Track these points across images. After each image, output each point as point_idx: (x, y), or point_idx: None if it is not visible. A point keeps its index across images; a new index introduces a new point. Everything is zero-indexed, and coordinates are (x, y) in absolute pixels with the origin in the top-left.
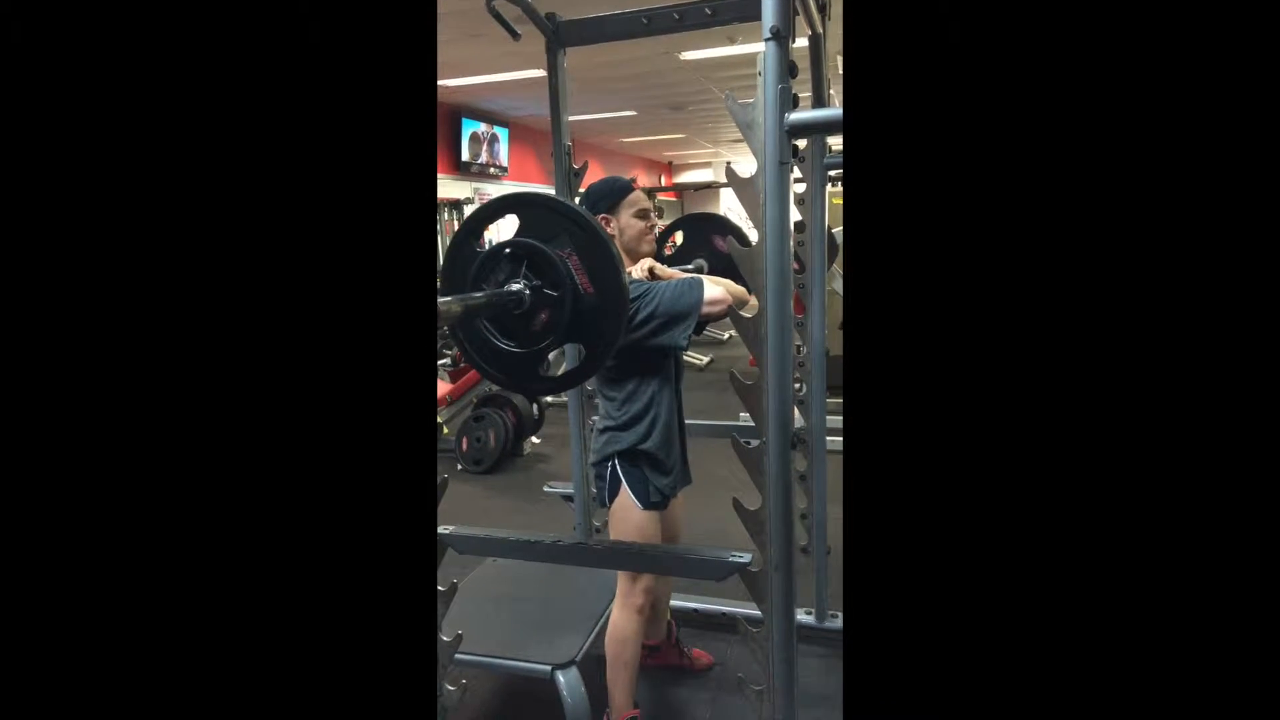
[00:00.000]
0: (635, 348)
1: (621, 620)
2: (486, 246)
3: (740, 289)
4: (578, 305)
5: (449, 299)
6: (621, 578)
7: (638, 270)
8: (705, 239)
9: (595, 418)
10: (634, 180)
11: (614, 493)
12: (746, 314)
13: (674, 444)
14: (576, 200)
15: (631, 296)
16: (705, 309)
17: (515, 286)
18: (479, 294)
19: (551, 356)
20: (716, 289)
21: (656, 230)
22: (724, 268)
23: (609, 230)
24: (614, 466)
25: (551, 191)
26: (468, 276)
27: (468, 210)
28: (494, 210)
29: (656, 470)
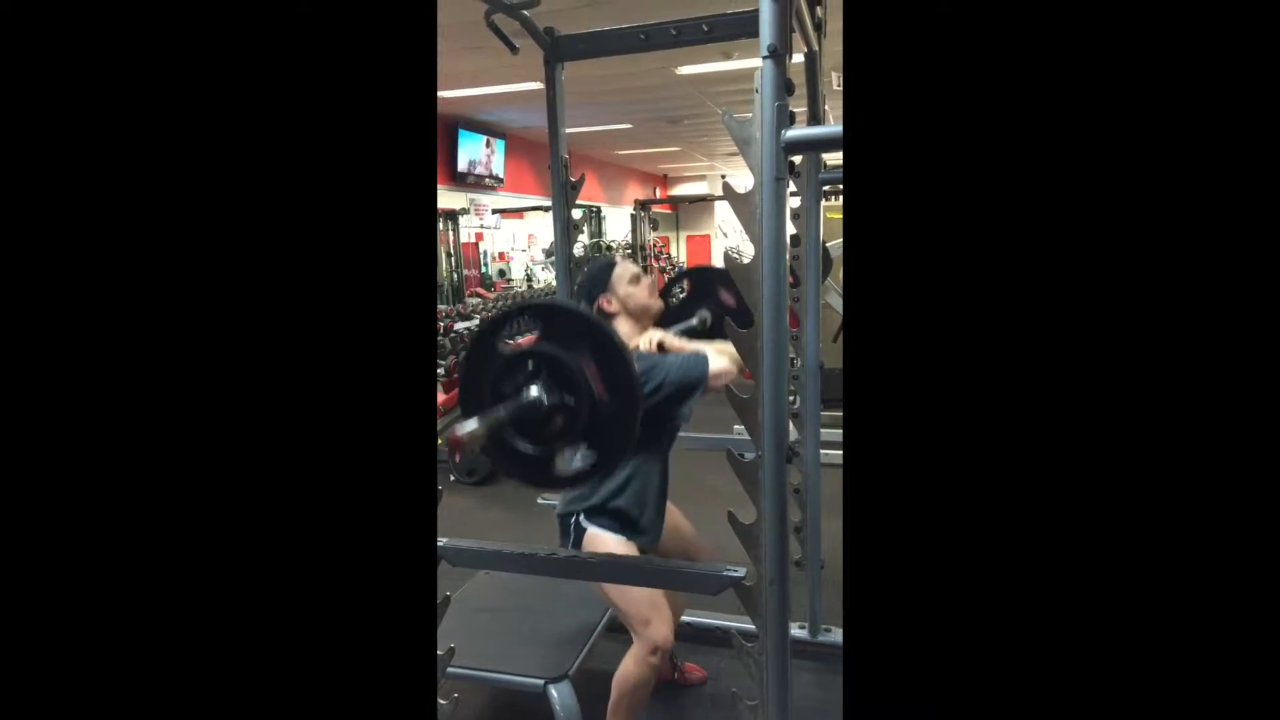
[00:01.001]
0: None
1: (635, 670)
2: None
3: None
4: (593, 412)
5: (474, 424)
6: (631, 627)
7: (645, 342)
8: (710, 291)
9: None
10: (613, 255)
11: (578, 543)
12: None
13: (648, 506)
14: (580, 277)
15: (640, 369)
16: (711, 383)
17: (533, 392)
18: (501, 410)
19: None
20: (722, 361)
21: (654, 281)
22: (726, 317)
23: (611, 308)
24: (578, 520)
25: (547, 200)
26: (488, 374)
27: (463, 221)
28: (518, 314)
29: (629, 527)
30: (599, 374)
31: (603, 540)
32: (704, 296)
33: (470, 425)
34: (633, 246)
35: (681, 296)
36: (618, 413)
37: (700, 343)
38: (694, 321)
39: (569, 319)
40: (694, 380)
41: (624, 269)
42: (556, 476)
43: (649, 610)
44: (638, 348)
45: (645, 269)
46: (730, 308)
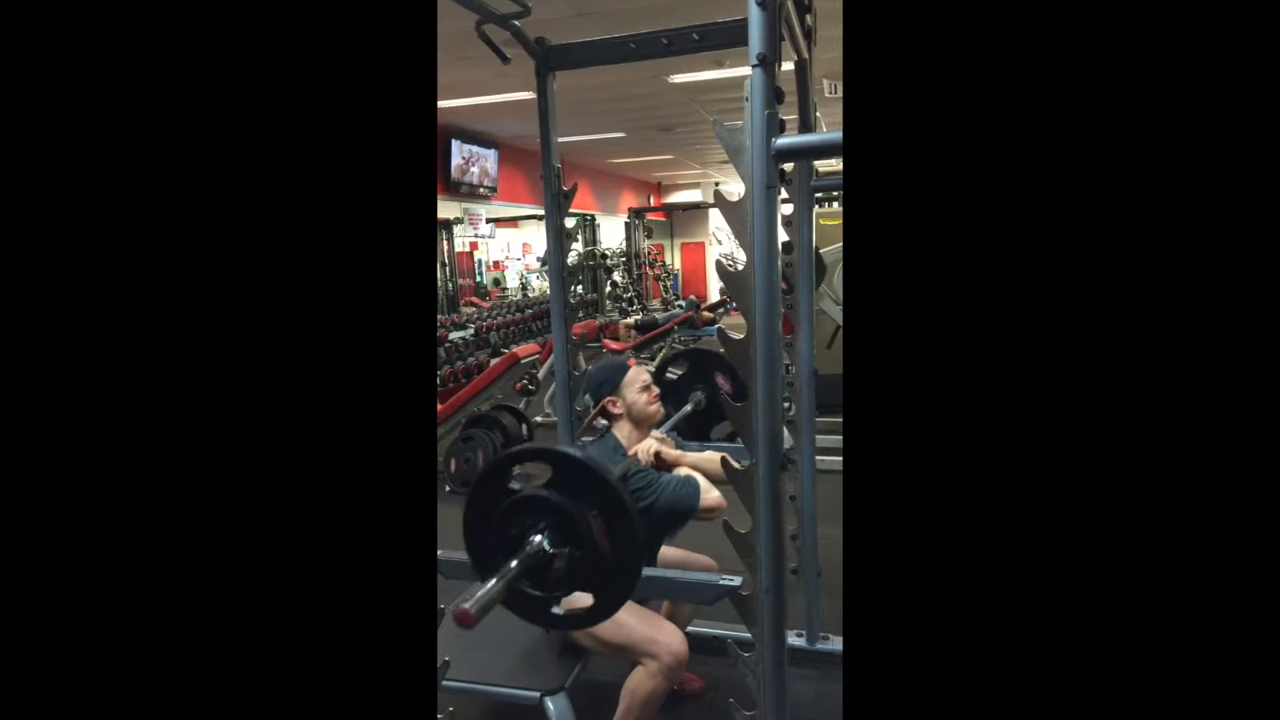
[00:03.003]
0: None
1: (649, 683)
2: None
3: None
4: (597, 563)
5: (491, 588)
6: (642, 650)
7: (643, 453)
8: (705, 374)
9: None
10: (628, 359)
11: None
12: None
13: None
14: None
15: (634, 487)
16: (701, 516)
17: (536, 540)
18: (513, 567)
19: None
20: (712, 495)
21: (656, 391)
22: (724, 396)
23: (615, 410)
24: None
25: (541, 209)
26: (494, 510)
27: (457, 230)
28: (532, 456)
29: None
30: (605, 529)
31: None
32: (699, 379)
33: (480, 595)
34: (627, 254)
35: (678, 375)
36: (619, 566)
37: (694, 454)
38: (689, 407)
39: (580, 470)
40: (684, 510)
41: (635, 375)
42: (554, 618)
43: (652, 629)
44: (635, 456)
45: (640, 276)
46: (727, 393)
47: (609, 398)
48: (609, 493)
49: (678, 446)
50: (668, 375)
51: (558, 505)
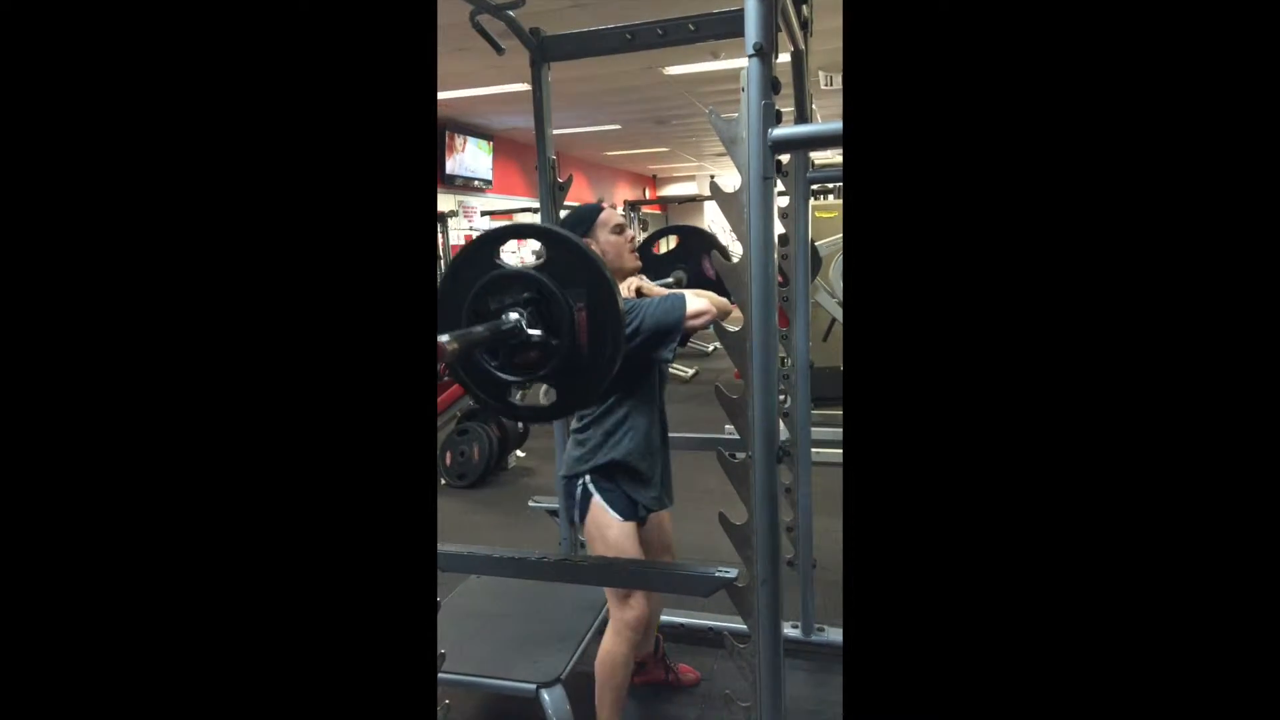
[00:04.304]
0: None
1: (613, 645)
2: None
3: (723, 300)
4: (570, 357)
5: (450, 336)
6: (611, 600)
7: (625, 289)
8: (692, 253)
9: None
10: (601, 201)
11: (584, 510)
12: (731, 326)
13: (656, 457)
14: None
15: None
16: (689, 323)
17: (514, 317)
18: (479, 329)
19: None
20: (700, 302)
21: (636, 241)
22: (703, 284)
23: None
24: (585, 484)
25: (536, 202)
26: (474, 282)
27: (451, 224)
28: (529, 233)
29: (637, 483)
30: (587, 321)
31: (607, 521)
32: (685, 257)
33: (445, 337)
34: None
35: (666, 252)
36: (593, 364)
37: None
38: (670, 281)
39: (576, 255)
40: (672, 322)
41: (609, 216)
42: (509, 405)
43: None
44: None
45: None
46: (709, 279)
47: (583, 239)
48: (599, 284)
49: None
50: (655, 250)
51: (544, 285)
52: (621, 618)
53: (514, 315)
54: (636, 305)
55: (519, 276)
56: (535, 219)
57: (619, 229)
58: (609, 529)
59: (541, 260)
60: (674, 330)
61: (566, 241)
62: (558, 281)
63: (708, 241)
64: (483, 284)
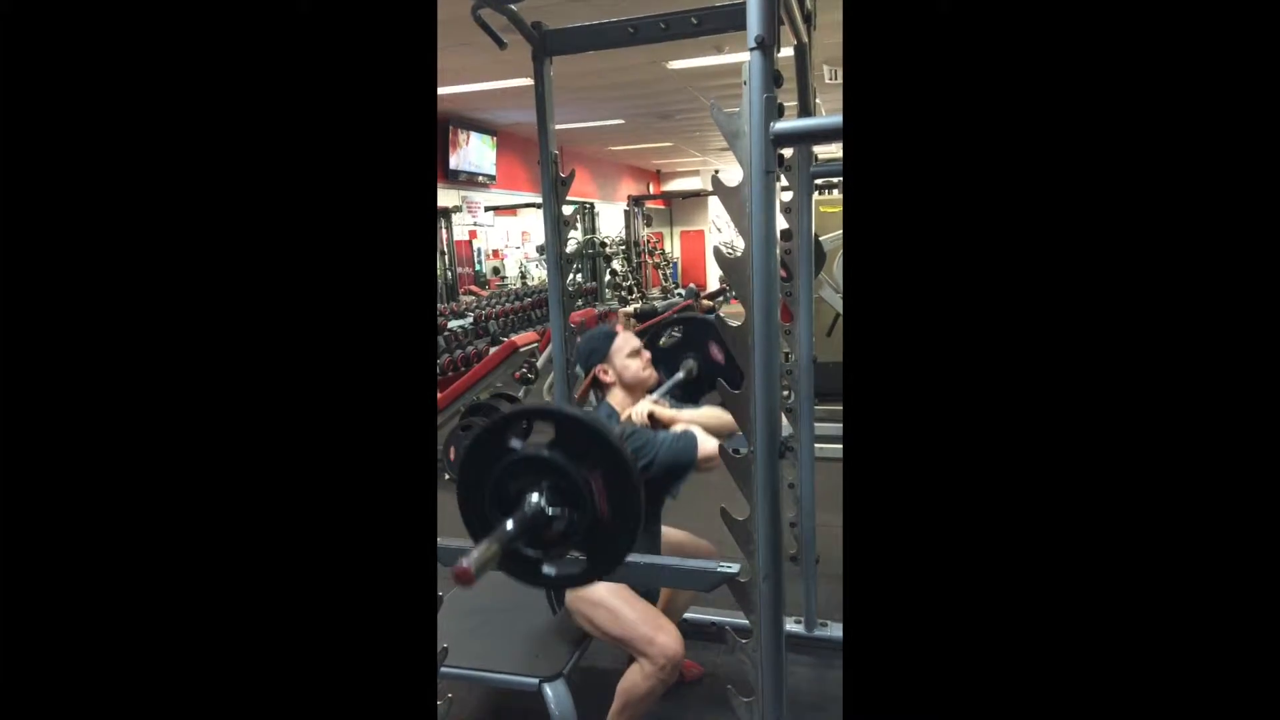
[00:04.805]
0: None
1: (645, 684)
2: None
3: (729, 418)
4: (593, 526)
5: (487, 546)
6: (638, 648)
7: (637, 415)
8: (698, 342)
9: None
10: (615, 326)
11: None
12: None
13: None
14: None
15: (631, 447)
16: (702, 466)
17: (535, 499)
18: (508, 528)
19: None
20: (710, 444)
21: (648, 356)
22: (713, 369)
23: (607, 378)
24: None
25: (539, 197)
26: (493, 469)
27: (455, 219)
28: (534, 416)
29: None
30: (605, 491)
31: (595, 589)
32: (692, 346)
33: (478, 554)
34: (626, 242)
35: (672, 341)
36: (617, 528)
37: (689, 410)
38: (680, 375)
39: (582, 431)
40: (684, 464)
41: (624, 341)
42: (545, 577)
43: (650, 628)
44: (629, 418)
45: (639, 264)
46: (718, 363)
47: (599, 366)
48: (610, 453)
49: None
50: (662, 342)
51: (558, 464)
52: (653, 660)
53: (534, 498)
54: (651, 441)
55: (531, 460)
56: (538, 215)
57: (635, 352)
58: (595, 592)
59: (554, 438)
60: (686, 471)
61: (571, 418)
62: (569, 455)
63: (712, 331)
64: (502, 470)
